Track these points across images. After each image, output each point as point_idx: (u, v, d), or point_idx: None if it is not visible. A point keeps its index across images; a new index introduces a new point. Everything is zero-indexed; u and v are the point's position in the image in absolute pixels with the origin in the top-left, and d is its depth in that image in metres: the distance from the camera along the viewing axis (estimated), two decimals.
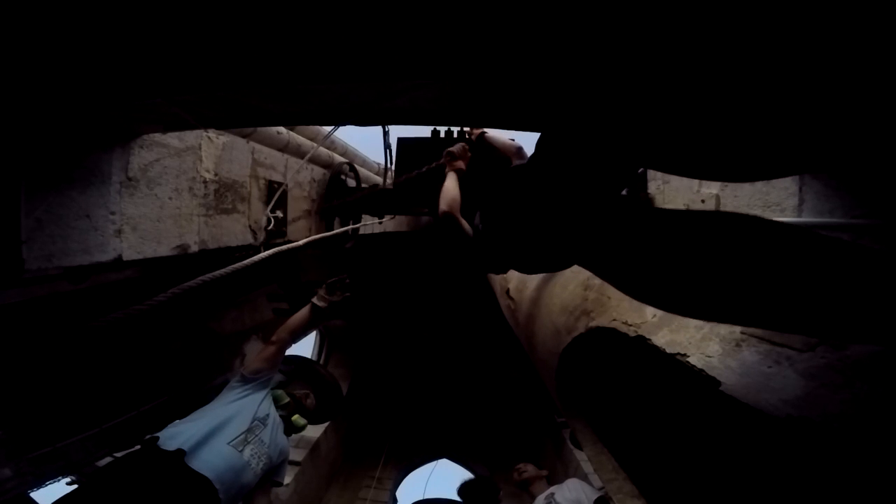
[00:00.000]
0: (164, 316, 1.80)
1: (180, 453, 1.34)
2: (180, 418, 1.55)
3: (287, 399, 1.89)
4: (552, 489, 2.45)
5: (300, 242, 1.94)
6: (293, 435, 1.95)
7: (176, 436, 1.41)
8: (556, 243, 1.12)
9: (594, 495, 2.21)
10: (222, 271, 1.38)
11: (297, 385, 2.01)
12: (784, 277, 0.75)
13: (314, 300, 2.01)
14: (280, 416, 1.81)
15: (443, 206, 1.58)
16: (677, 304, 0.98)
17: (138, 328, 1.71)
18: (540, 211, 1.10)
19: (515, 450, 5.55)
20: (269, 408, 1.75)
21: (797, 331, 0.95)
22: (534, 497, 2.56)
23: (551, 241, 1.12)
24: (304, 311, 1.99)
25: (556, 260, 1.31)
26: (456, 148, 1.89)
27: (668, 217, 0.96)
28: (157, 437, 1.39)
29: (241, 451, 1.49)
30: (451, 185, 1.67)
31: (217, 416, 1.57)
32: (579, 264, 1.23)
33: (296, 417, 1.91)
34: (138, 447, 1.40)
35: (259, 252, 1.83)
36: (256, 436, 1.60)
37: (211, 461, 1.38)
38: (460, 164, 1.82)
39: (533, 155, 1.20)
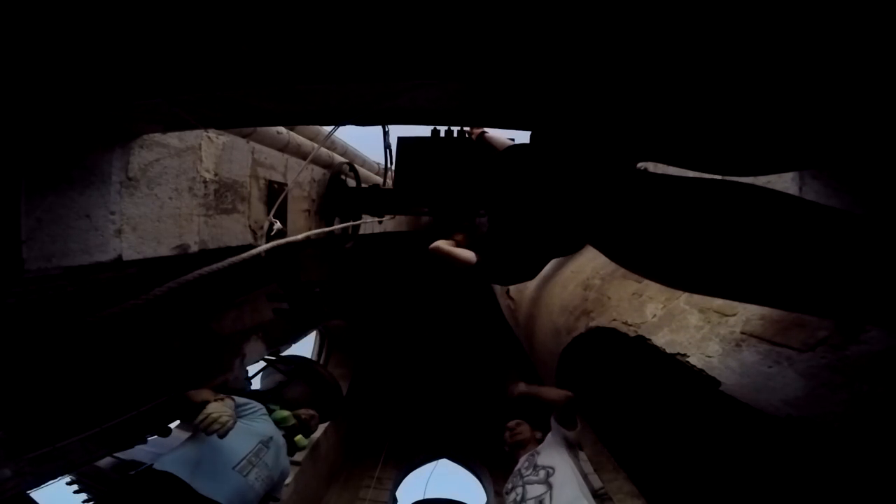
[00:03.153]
0: (164, 314, 1.80)
1: (180, 482, 1.38)
2: (180, 419, 1.58)
3: (293, 421, 1.94)
4: (536, 448, 2.34)
5: (300, 237, 1.95)
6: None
7: (174, 461, 1.47)
8: (561, 219, 1.11)
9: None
10: (219, 265, 1.38)
11: (298, 389, 2.04)
12: (792, 249, 0.74)
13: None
14: (283, 436, 1.87)
15: (430, 246, 1.71)
16: (683, 277, 0.97)
17: (137, 326, 1.71)
18: (544, 185, 1.09)
19: None
20: (271, 430, 1.79)
21: (807, 309, 0.93)
22: (517, 460, 2.42)
23: (557, 216, 1.11)
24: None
25: (564, 240, 1.31)
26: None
27: (673, 184, 0.95)
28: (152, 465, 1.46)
29: (246, 476, 1.55)
30: (440, 242, 1.74)
31: (214, 442, 1.59)
32: (588, 242, 1.23)
33: (298, 438, 1.99)
34: (135, 475, 1.44)
35: (259, 253, 1.83)
36: (261, 459, 1.66)
37: (221, 488, 1.43)
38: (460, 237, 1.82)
39: (532, 139, 1.20)
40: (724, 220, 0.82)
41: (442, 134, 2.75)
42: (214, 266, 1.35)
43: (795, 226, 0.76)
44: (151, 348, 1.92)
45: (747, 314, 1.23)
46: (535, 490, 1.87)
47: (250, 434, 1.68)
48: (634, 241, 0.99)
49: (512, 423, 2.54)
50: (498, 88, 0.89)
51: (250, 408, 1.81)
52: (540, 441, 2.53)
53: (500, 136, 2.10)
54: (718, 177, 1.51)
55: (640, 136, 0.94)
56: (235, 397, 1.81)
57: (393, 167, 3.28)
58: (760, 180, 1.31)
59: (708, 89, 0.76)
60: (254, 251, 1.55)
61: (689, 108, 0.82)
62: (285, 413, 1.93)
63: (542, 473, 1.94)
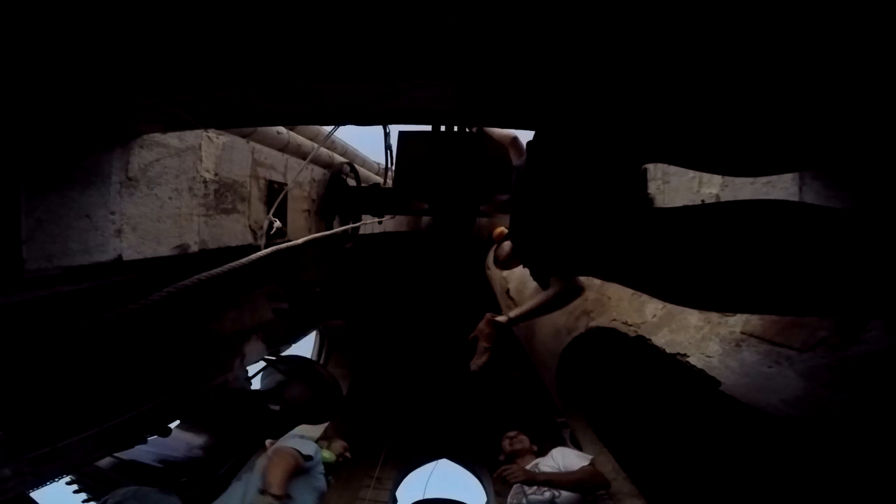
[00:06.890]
0: (164, 315, 1.79)
1: None
2: (180, 418, 1.59)
3: (334, 458, 2.35)
4: (537, 460, 2.32)
5: (300, 241, 1.94)
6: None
7: None
8: (565, 247, 1.12)
9: (582, 461, 2.07)
10: (219, 270, 1.38)
11: (297, 389, 2.19)
12: (793, 254, 0.75)
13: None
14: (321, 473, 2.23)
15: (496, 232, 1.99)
16: (693, 298, 0.98)
17: (137, 328, 1.71)
18: (544, 215, 1.10)
19: None
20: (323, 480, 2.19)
21: (811, 313, 0.94)
22: None
23: (561, 243, 1.12)
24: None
25: (571, 263, 1.33)
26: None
27: (671, 215, 0.96)
28: None
29: None
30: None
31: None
32: (591, 273, 1.23)
33: (325, 453, 2.30)
34: None
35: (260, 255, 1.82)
36: None
37: None
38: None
39: (527, 157, 1.21)
40: (726, 241, 0.82)
41: (443, 128, 2.75)
42: (214, 271, 1.34)
43: (799, 236, 0.76)
44: (151, 348, 1.91)
45: (747, 314, 1.23)
46: None
47: (313, 491, 2.06)
48: (640, 270, 0.99)
49: (512, 433, 2.62)
50: (498, 89, 0.89)
51: (315, 465, 2.13)
52: (536, 453, 2.55)
53: (501, 129, 2.11)
54: (719, 178, 1.51)
55: (642, 137, 0.94)
56: (301, 449, 2.11)
57: (393, 167, 3.27)
58: (761, 180, 1.31)
59: (709, 89, 0.76)
60: (254, 256, 1.54)
61: (690, 109, 0.82)
62: (328, 455, 2.31)
63: (547, 494, 1.97)
